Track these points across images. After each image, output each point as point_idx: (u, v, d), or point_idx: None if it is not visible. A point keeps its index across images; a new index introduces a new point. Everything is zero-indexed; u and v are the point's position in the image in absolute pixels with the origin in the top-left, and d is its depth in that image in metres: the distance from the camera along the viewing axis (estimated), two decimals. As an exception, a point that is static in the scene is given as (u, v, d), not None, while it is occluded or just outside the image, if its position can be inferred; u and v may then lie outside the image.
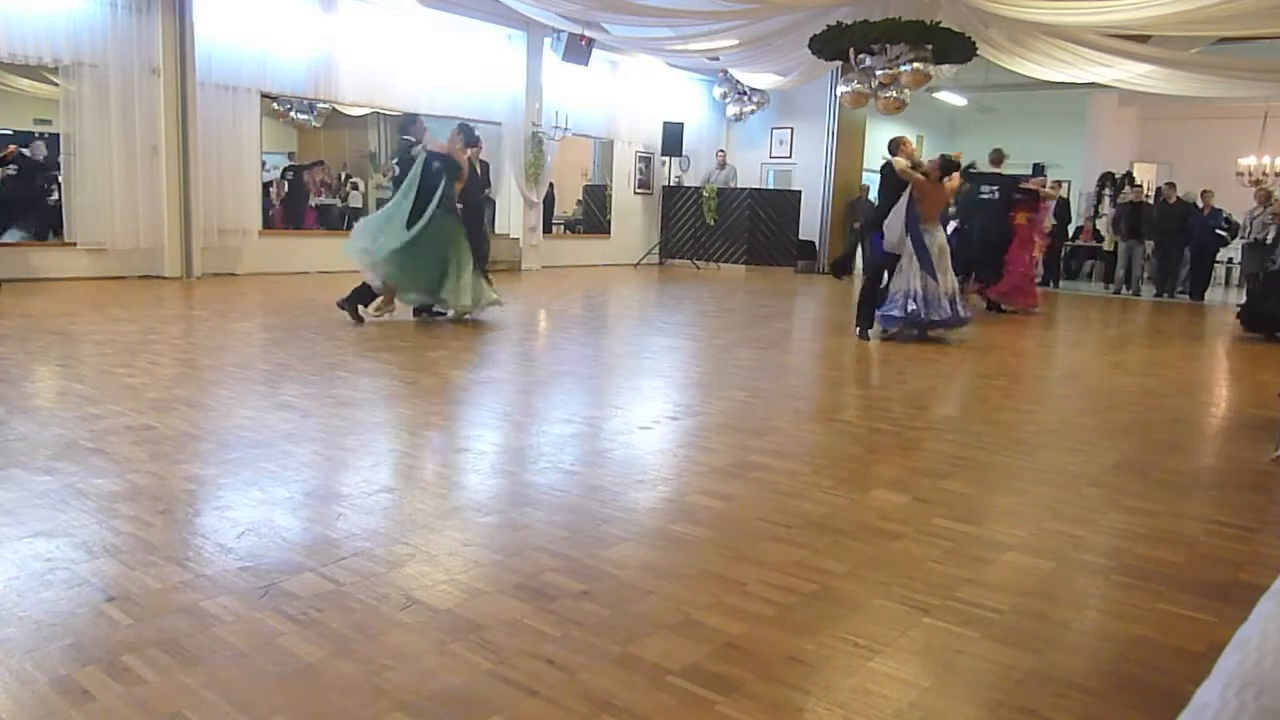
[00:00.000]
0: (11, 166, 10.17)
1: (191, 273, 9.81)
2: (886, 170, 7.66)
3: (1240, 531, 3.10)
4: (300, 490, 3.10)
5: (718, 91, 15.84)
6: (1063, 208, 13.88)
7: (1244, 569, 2.75)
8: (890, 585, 2.48)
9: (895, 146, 7.78)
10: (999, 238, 10.32)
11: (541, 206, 13.74)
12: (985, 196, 10.42)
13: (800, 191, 15.37)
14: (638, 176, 15.57)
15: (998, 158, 10.75)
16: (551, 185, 14.51)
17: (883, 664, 2.04)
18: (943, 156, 7.86)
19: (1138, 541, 2.94)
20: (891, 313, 7.50)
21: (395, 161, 8.94)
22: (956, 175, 7.78)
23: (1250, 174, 14.76)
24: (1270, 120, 15.36)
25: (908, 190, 7.47)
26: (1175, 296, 13.53)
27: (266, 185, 12.18)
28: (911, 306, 7.40)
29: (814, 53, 10.52)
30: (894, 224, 7.55)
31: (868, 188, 16.09)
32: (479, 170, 12.28)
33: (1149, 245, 14.11)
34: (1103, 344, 8.48)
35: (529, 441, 4.00)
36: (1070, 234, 15.47)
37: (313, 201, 14.55)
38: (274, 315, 7.63)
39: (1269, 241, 11.06)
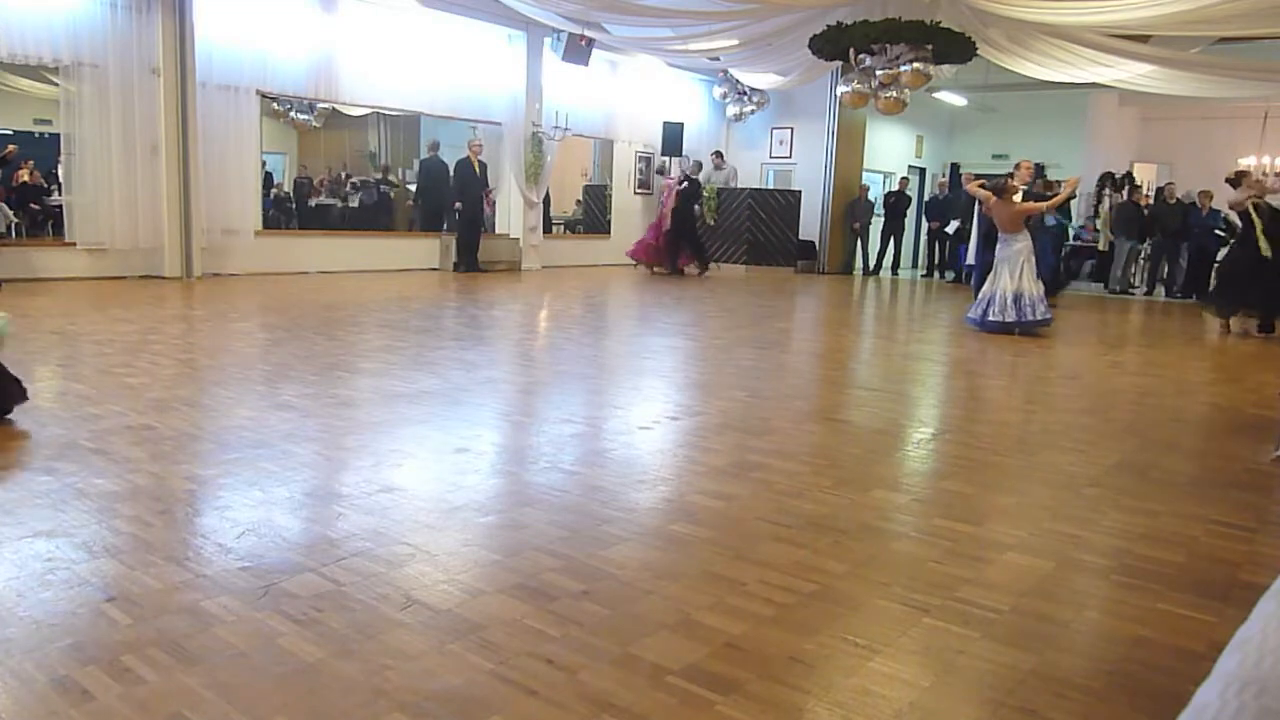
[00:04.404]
0: None
1: (191, 273, 9.81)
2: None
3: (1240, 531, 3.09)
4: (300, 490, 3.10)
5: (718, 91, 15.84)
6: (1063, 208, 13.88)
7: (1244, 569, 2.75)
8: (890, 585, 2.48)
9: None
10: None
11: (541, 206, 13.76)
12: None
13: (800, 191, 15.36)
14: (638, 176, 15.57)
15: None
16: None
17: (883, 664, 2.04)
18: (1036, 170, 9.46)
19: (1138, 541, 2.94)
20: (983, 317, 8.41)
21: None
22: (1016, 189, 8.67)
23: (1250, 174, 14.76)
24: (1270, 120, 15.36)
25: (976, 208, 9.19)
26: (1174, 296, 13.52)
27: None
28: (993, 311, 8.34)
29: (814, 53, 10.53)
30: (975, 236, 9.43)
31: (867, 188, 16.11)
32: (478, 170, 12.32)
33: (1147, 246, 14.13)
34: (1102, 344, 8.48)
35: (529, 441, 4.00)
36: (1070, 234, 15.46)
37: (313, 202, 14.59)
38: (274, 315, 7.63)
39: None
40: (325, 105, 13.21)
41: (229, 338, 6.44)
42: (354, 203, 14.87)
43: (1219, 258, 11.15)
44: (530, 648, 2.04)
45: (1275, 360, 7.54)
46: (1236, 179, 9.77)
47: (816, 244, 15.82)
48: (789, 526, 2.92)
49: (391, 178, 15.25)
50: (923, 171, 18.78)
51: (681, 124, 14.88)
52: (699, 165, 14.65)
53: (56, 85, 9.30)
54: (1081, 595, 2.53)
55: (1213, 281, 11.26)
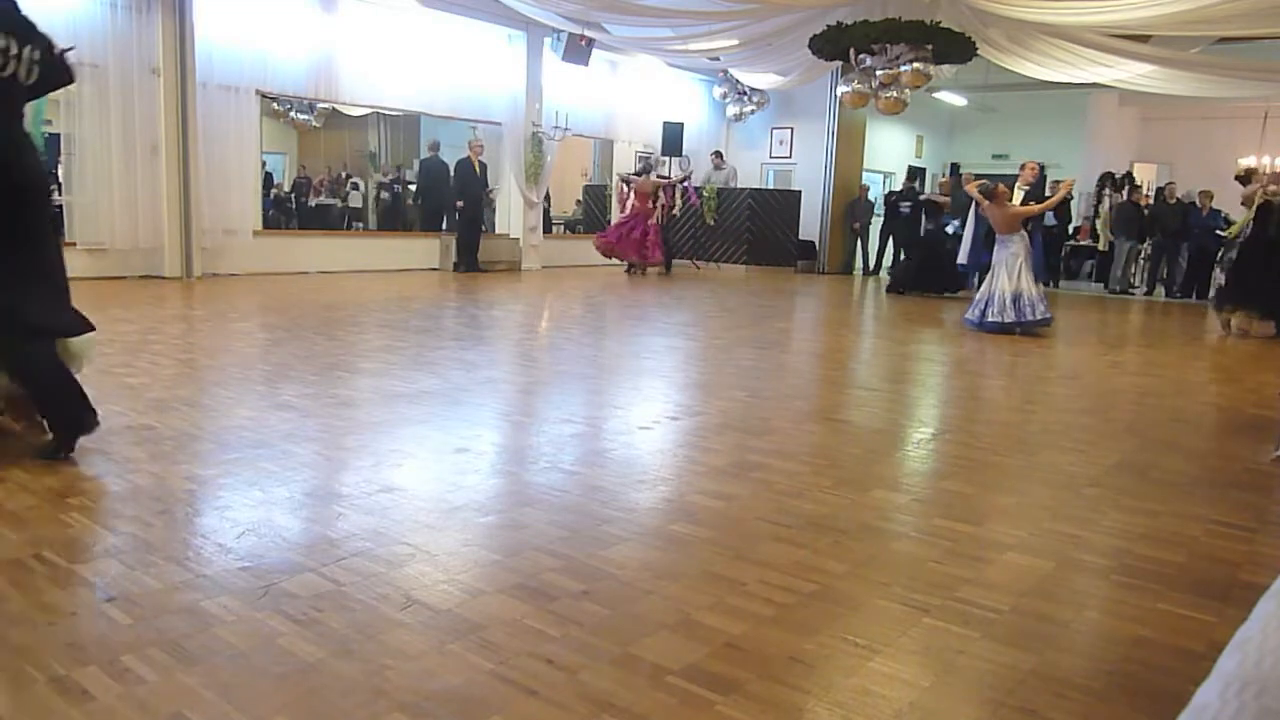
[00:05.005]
0: None
1: (191, 273, 9.82)
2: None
3: (1240, 531, 3.09)
4: (300, 490, 3.10)
5: (718, 91, 15.84)
6: (1062, 207, 13.90)
7: (1244, 569, 2.75)
8: (890, 585, 2.48)
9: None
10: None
11: (541, 206, 13.76)
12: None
13: (800, 191, 15.36)
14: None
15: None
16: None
17: (883, 664, 2.04)
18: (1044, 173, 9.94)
19: (1138, 541, 2.94)
20: (982, 317, 8.44)
21: None
22: (1004, 193, 8.74)
23: (1258, 171, 14.77)
24: (1270, 120, 15.37)
25: (972, 208, 9.57)
26: (1174, 296, 13.51)
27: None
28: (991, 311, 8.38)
29: (814, 53, 10.54)
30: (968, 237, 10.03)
31: (867, 188, 16.11)
32: (478, 170, 12.33)
33: (1147, 246, 14.13)
34: (1102, 344, 8.48)
35: (529, 441, 4.00)
36: (1070, 233, 15.47)
37: (313, 202, 14.60)
38: (274, 315, 7.63)
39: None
40: (325, 105, 13.23)
41: (229, 338, 6.44)
42: (355, 202, 14.88)
43: (1219, 257, 11.13)
44: (530, 648, 2.03)
45: (1275, 360, 7.54)
46: (1247, 176, 9.86)
47: (816, 244, 15.82)
48: (789, 526, 2.92)
49: (399, 178, 15.29)
50: (923, 171, 18.79)
51: (681, 124, 14.88)
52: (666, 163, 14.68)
53: (56, 85, 9.29)
54: (1081, 595, 2.53)
55: (1217, 279, 11.19)
